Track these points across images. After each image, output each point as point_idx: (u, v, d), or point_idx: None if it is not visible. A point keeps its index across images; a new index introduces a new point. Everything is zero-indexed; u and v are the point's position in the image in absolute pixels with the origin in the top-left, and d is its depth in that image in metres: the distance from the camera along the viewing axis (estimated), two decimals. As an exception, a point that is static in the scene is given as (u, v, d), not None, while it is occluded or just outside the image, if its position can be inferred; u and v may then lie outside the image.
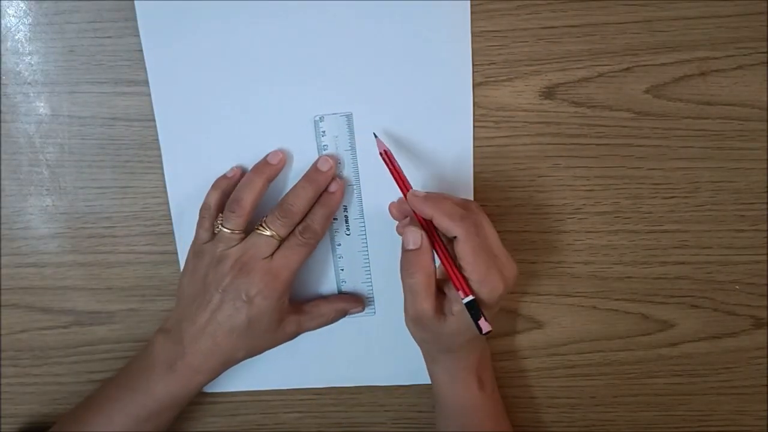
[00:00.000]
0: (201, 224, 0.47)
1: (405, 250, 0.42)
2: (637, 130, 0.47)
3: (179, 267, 0.50)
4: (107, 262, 0.51)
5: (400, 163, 0.45)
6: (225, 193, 0.47)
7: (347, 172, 0.48)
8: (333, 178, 0.46)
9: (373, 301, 0.50)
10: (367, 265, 0.50)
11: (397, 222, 0.46)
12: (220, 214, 0.46)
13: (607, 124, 0.47)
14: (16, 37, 0.47)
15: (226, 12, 0.45)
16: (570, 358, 0.52)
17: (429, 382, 0.49)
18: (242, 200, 0.45)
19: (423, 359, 0.48)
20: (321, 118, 0.47)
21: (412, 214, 0.44)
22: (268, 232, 0.44)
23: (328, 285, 0.50)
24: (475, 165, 0.48)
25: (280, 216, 0.44)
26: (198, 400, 0.53)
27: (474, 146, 0.48)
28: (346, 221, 0.49)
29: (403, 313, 0.44)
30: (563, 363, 0.52)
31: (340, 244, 0.49)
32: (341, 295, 0.50)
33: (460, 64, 0.46)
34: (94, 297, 0.51)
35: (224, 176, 0.47)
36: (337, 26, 0.45)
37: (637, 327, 0.51)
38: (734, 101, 0.47)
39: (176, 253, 0.50)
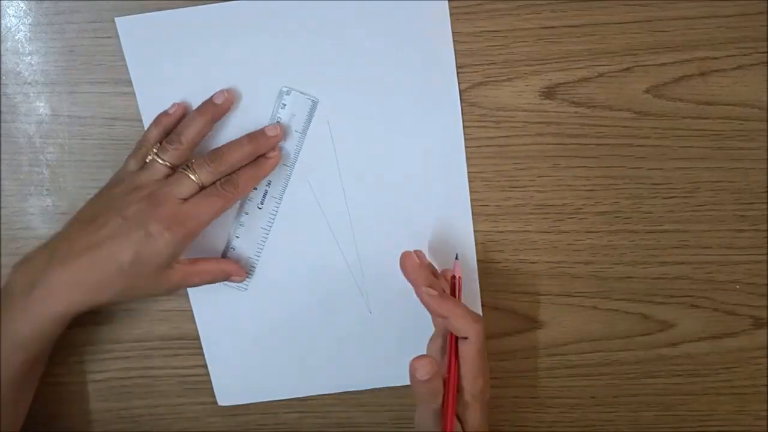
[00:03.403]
0: (134, 155, 0.45)
1: (419, 381, 0.42)
2: (637, 130, 0.47)
3: (179, 267, 0.50)
4: (107, 262, 0.51)
5: (393, 167, 0.46)
6: (166, 130, 0.46)
7: (290, 154, 0.47)
8: (274, 147, 0.46)
9: (252, 276, 0.50)
10: (263, 243, 0.49)
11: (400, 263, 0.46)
12: (158, 145, 0.45)
13: (607, 124, 0.47)
14: (16, 37, 0.47)
15: (205, 22, 0.45)
16: (570, 358, 0.52)
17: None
18: (182, 135, 0.44)
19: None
20: (288, 92, 0.46)
21: (418, 278, 0.44)
22: (191, 175, 0.43)
23: (216, 245, 0.49)
24: (475, 165, 0.48)
25: (209, 161, 0.44)
26: (198, 401, 0.53)
27: (474, 146, 0.48)
28: (264, 195, 0.48)
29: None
30: (563, 363, 0.52)
31: (247, 213, 0.48)
32: (228, 258, 0.49)
33: (443, 65, 0.46)
34: (94, 297, 0.51)
35: (165, 113, 0.46)
36: (319, 27, 0.46)
37: (637, 327, 0.51)
38: (734, 101, 0.47)
39: (176, 253, 0.50)
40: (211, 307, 0.50)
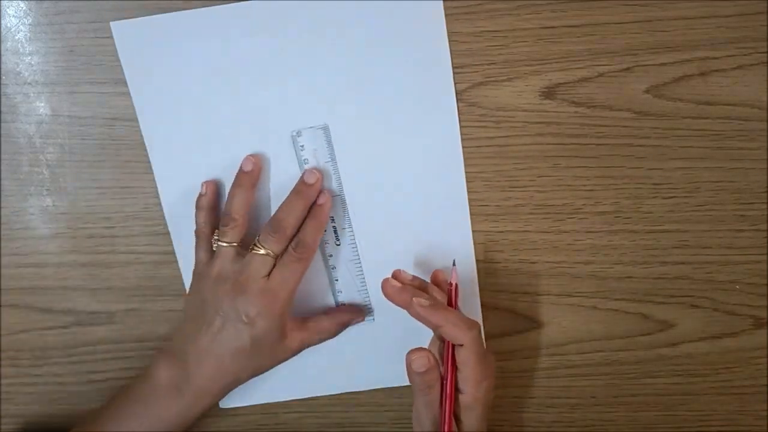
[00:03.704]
0: (198, 246, 0.47)
1: (415, 372, 0.43)
2: (637, 130, 0.47)
3: (179, 267, 0.50)
4: (107, 262, 0.51)
5: (391, 167, 0.46)
6: (210, 208, 0.47)
7: (331, 183, 0.48)
8: (320, 191, 0.47)
9: (372, 309, 0.50)
10: (361, 273, 0.50)
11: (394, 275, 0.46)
12: (216, 231, 0.46)
13: (607, 124, 0.47)
14: (17, 38, 0.47)
15: (202, 24, 0.45)
16: (570, 358, 0.52)
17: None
18: (232, 212, 0.45)
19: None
20: (298, 133, 0.47)
21: (406, 298, 0.44)
22: (262, 251, 0.45)
23: (325, 297, 0.50)
24: (475, 165, 0.48)
25: (272, 233, 0.45)
26: (198, 400, 0.54)
27: (474, 146, 0.48)
28: (335, 232, 0.49)
29: (415, 425, 0.46)
30: (563, 363, 0.52)
31: (331, 255, 0.49)
32: (341, 307, 0.50)
33: (440, 65, 0.46)
34: (94, 297, 0.51)
35: (200, 195, 0.48)
36: (315, 29, 0.46)
37: (637, 327, 0.51)
38: (734, 101, 0.47)
39: (175, 253, 0.50)
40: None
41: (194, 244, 0.47)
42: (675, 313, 0.51)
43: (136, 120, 0.48)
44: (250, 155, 0.47)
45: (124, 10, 0.46)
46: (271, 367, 0.47)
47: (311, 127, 0.47)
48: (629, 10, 0.45)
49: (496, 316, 0.51)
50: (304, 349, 0.48)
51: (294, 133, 0.47)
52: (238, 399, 0.53)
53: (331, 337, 0.49)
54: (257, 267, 0.44)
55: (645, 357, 0.52)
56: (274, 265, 0.45)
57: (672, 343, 0.51)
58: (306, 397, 0.53)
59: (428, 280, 0.48)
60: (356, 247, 0.49)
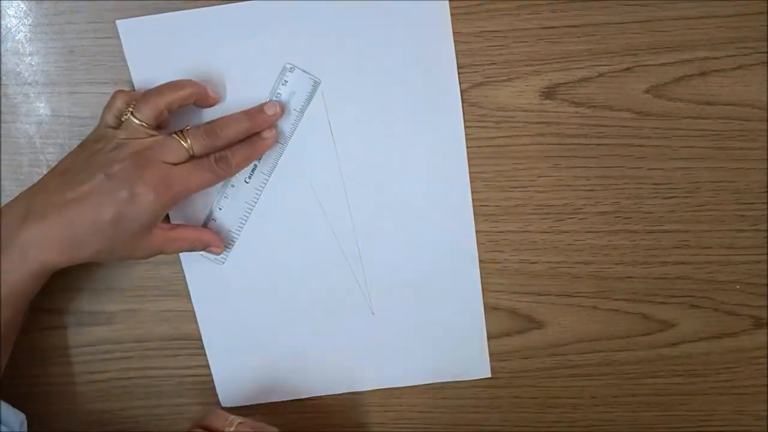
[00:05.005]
0: (110, 107, 0.43)
1: None
2: (637, 130, 0.47)
3: (180, 267, 0.50)
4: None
5: (395, 166, 0.46)
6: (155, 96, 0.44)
7: (284, 128, 0.47)
8: (271, 126, 0.45)
9: (230, 251, 0.49)
10: (246, 218, 0.48)
11: None
12: (132, 104, 0.43)
13: (607, 124, 0.47)
14: (17, 38, 0.47)
15: (207, 24, 0.46)
16: (570, 358, 0.52)
17: (429, 382, 0.50)
18: (161, 94, 0.42)
19: (423, 360, 0.48)
20: (291, 69, 0.46)
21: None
22: (183, 143, 0.42)
23: (198, 213, 0.49)
24: (475, 165, 0.48)
25: (205, 135, 0.43)
26: (198, 401, 0.53)
27: (474, 146, 0.48)
28: (253, 170, 0.48)
29: None
30: (563, 363, 0.52)
31: (233, 186, 0.48)
32: (208, 228, 0.48)
33: (444, 65, 0.46)
34: (94, 297, 0.51)
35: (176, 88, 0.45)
36: (321, 28, 0.46)
37: (637, 327, 0.51)
38: (734, 101, 0.47)
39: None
40: (213, 309, 0.50)
41: (106, 104, 0.44)
42: (675, 313, 0.51)
43: (136, 120, 0.48)
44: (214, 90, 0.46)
45: (125, 10, 0.46)
46: (119, 259, 0.44)
47: (306, 72, 0.46)
48: (629, 10, 0.45)
49: (496, 316, 0.51)
50: (159, 253, 0.45)
51: (288, 66, 0.46)
52: (238, 399, 0.53)
53: (186, 250, 0.46)
54: (168, 151, 0.42)
55: (645, 357, 0.52)
56: (185, 162, 0.43)
57: (672, 343, 0.51)
58: (306, 397, 0.53)
59: (427, 280, 0.48)
60: (260, 195, 0.48)
